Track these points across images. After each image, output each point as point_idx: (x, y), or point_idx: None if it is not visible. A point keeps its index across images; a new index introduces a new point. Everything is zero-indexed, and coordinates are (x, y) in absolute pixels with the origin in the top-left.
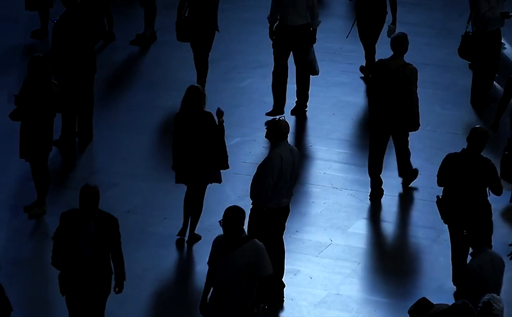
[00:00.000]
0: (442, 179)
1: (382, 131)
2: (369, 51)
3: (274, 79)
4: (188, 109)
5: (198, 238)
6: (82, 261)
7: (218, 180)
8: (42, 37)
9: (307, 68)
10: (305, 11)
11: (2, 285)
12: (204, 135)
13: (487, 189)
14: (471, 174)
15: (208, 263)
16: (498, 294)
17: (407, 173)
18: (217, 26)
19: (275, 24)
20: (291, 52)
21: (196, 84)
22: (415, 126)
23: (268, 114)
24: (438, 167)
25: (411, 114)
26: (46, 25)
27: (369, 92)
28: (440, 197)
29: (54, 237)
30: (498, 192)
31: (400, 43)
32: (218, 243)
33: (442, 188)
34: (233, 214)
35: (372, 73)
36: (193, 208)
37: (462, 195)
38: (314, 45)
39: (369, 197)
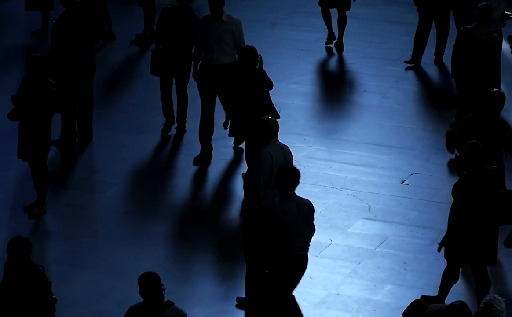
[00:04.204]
0: (461, 140)
1: (468, 94)
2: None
3: (201, 124)
4: (242, 67)
5: None
6: None
7: None
8: (42, 37)
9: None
10: (232, 49)
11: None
12: (256, 90)
13: (503, 149)
14: (489, 135)
15: None
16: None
17: None
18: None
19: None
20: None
21: (250, 45)
22: (498, 86)
23: (195, 162)
24: (438, 166)
25: (495, 77)
26: (46, 25)
27: (454, 59)
28: (458, 155)
29: None
30: None
31: (484, 13)
32: (133, 313)
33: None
34: (151, 280)
35: (457, 41)
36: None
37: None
38: None
39: None
